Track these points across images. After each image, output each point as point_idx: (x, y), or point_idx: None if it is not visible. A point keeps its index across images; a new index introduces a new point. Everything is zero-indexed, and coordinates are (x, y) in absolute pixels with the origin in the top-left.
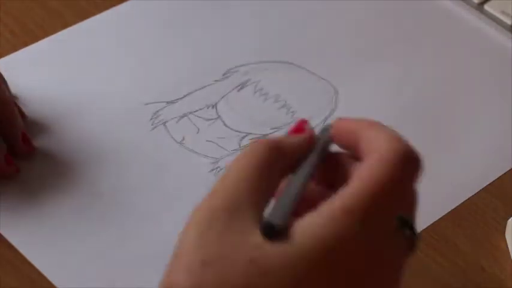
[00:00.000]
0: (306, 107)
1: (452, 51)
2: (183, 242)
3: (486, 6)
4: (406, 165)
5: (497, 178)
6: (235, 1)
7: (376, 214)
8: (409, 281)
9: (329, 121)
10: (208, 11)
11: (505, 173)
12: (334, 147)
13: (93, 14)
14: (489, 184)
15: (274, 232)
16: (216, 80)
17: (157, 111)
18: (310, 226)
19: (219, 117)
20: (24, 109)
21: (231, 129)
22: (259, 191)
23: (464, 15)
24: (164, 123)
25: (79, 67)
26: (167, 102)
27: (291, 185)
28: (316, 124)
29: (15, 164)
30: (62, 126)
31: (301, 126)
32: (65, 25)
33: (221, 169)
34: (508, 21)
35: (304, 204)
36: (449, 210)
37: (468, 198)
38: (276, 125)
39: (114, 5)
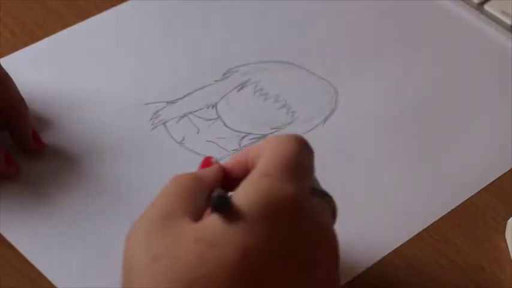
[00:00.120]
0: (306, 107)
1: (452, 51)
2: (129, 253)
3: (486, 6)
4: (295, 139)
5: (497, 178)
6: (235, 1)
7: (290, 174)
8: (409, 280)
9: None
10: (208, 11)
11: (505, 173)
12: None
13: (93, 14)
14: (489, 184)
15: (226, 203)
16: (216, 80)
17: (157, 111)
18: (237, 196)
19: (219, 117)
20: None
21: (231, 129)
22: (189, 207)
23: (464, 15)
24: (164, 123)
25: (79, 67)
26: (167, 102)
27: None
28: (316, 124)
29: (15, 164)
30: (61, 126)
31: (207, 162)
32: (65, 25)
33: None
34: (508, 21)
35: None
36: (449, 210)
37: (468, 198)
38: (276, 125)
39: (114, 5)
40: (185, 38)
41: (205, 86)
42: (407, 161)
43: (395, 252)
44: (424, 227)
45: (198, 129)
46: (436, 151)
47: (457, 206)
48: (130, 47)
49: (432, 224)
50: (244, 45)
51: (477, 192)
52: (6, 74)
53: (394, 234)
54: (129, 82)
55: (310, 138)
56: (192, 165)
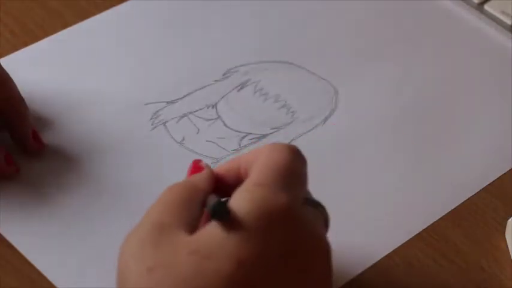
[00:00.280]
0: (306, 107)
1: (452, 51)
2: (123, 265)
3: (486, 6)
4: (288, 148)
5: (497, 178)
6: (235, 1)
7: (283, 183)
8: (409, 280)
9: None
10: (208, 11)
11: (505, 173)
12: None
13: (93, 14)
14: (489, 184)
15: (225, 211)
16: (216, 80)
17: (157, 111)
18: (231, 205)
19: (219, 117)
20: None
21: (231, 129)
22: (183, 218)
23: (464, 15)
24: (164, 123)
25: (79, 67)
26: (167, 102)
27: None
28: (316, 124)
29: (15, 164)
30: (61, 126)
31: (196, 166)
32: (65, 25)
33: None
34: (508, 21)
35: None
36: (449, 210)
37: (468, 198)
38: (276, 125)
39: (114, 5)
40: (185, 38)
41: (205, 86)
42: (407, 161)
43: (396, 252)
44: (424, 227)
45: (198, 129)
46: (436, 151)
47: (457, 206)
48: (130, 47)
49: (432, 224)
50: (244, 45)
51: (477, 192)
52: (6, 74)
53: (394, 234)
54: (129, 82)
55: (310, 138)
56: None
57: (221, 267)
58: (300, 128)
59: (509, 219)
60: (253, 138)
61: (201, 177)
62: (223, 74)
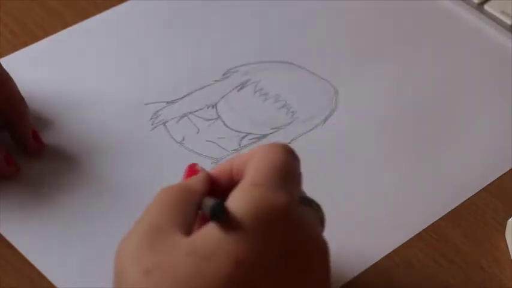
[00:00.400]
0: (306, 107)
1: (452, 51)
2: (120, 268)
3: (486, 6)
4: (283, 148)
5: (497, 178)
6: (235, 1)
7: (280, 183)
8: (409, 280)
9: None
10: (208, 11)
11: (505, 173)
12: None
13: (93, 14)
14: (489, 184)
15: (223, 212)
16: (216, 80)
17: (157, 111)
18: (228, 206)
19: (219, 117)
20: None
21: (231, 129)
22: (178, 219)
23: (464, 15)
24: (164, 123)
25: (79, 67)
26: (167, 102)
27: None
28: (316, 124)
29: (15, 164)
30: (61, 126)
31: (192, 169)
32: (65, 25)
33: None
34: (508, 21)
35: None
36: (449, 210)
37: (468, 198)
38: (276, 125)
39: (114, 5)
40: (185, 38)
41: (205, 86)
42: (407, 161)
43: (396, 252)
44: (424, 227)
45: (198, 129)
46: (436, 151)
47: (457, 206)
48: (130, 47)
49: (432, 224)
50: (244, 45)
51: (477, 192)
52: (7, 73)
53: (394, 234)
54: (129, 82)
55: (310, 138)
56: None
57: (220, 267)
58: (300, 128)
59: (509, 219)
60: (253, 138)
61: (196, 180)
62: (223, 74)
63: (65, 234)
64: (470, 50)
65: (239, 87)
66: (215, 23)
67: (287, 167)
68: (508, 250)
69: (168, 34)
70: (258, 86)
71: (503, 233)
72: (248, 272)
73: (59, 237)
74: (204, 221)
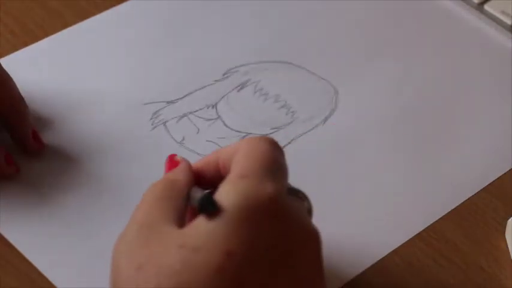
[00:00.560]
0: (306, 107)
1: (452, 51)
2: (115, 265)
3: (486, 6)
4: (267, 140)
5: (497, 178)
6: (235, 1)
7: (267, 174)
8: (409, 280)
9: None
10: (208, 11)
11: (505, 173)
12: None
13: (93, 14)
14: (489, 184)
15: (211, 203)
16: (216, 80)
17: (157, 111)
18: (217, 198)
19: (219, 117)
20: None
21: (231, 129)
22: (169, 213)
23: (464, 15)
24: (164, 123)
25: (79, 67)
26: (167, 102)
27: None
28: (316, 124)
29: (15, 164)
30: (61, 126)
31: (172, 161)
32: (65, 25)
33: None
34: (508, 21)
35: None
36: (449, 210)
37: (468, 198)
38: (276, 125)
39: (114, 5)
40: (185, 38)
41: (205, 86)
42: (407, 161)
43: (396, 252)
44: (424, 227)
45: (198, 129)
46: (436, 151)
47: (457, 206)
48: (130, 47)
49: (432, 224)
50: (244, 45)
51: (477, 192)
52: (6, 73)
53: (394, 234)
54: (129, 82)
55: (310, 138)
56: None
57: (210, 259)
58: (300, 128)
59: (509, 219)
60: None
61: (179, 171)
62: (223, 74)
63: (65, 234)
64: (470, 50)
65: (239, 87)
66: (215, 23)
67: (273, 159)
68: (508, 250)
69: (168, 34)
70: (258, 86)
71: (503, 233)
72: (239, 263)
73: (59, 237)
74: (196, 212)
